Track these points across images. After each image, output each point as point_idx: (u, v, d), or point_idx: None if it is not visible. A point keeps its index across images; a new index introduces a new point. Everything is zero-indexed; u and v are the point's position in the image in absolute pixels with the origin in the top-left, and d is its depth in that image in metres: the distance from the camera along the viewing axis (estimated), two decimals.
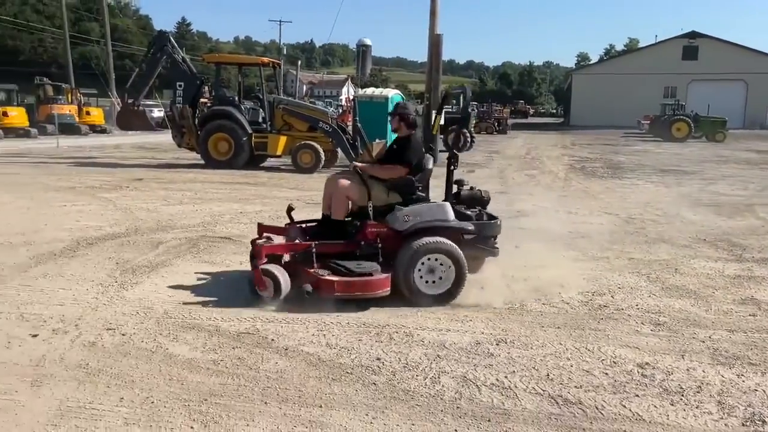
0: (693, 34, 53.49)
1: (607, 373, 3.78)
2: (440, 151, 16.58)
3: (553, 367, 3.86)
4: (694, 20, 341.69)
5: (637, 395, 3.48)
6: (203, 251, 6.72)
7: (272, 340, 4.19)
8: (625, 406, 3.35)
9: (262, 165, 16.06)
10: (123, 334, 4.24)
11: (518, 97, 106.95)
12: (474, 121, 28.13)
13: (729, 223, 8.96)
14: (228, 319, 4.59)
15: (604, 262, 6.64)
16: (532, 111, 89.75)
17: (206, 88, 17.69)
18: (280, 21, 71.49)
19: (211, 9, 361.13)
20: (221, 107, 15.49)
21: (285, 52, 68.67)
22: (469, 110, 33.01)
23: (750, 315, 4.94)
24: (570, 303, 5.19)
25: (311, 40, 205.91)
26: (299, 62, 48.03)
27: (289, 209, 5.68)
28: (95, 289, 5.24)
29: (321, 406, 3.27)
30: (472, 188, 5.91)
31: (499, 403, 3.36)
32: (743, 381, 3.70)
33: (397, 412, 3.24)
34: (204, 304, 4.94)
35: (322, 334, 4.33)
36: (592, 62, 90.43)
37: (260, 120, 15.75)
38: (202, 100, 17.03)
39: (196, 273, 5.84)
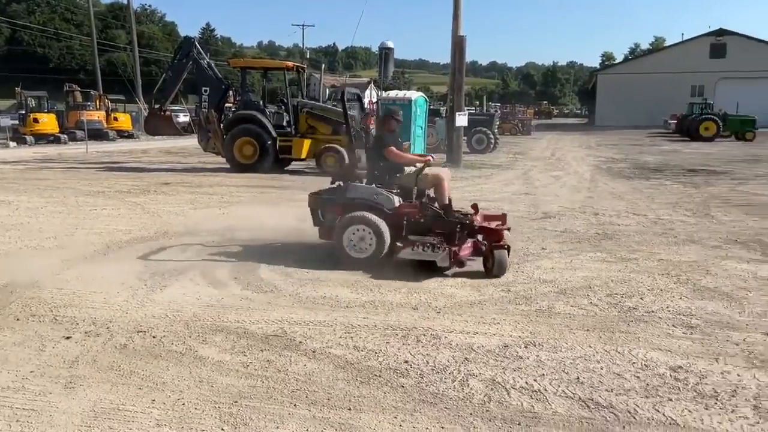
0: (720, 32, 52.58)
1: (638, 377, 3.72)
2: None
3: (583, 370, 3.82)
4: (721, 18, 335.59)
5: (671, 399, 3.42)
6: (230, 254, 6.78)
7: (300, 342, 4.21)
8: (658, 411, 3.29)
9: (286, 168, 16.18)
10: (153, 337, 4.30)
11: (542, 97, 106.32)
12: (497, 123, 27.94)
13: (761, 224, 8.76)
14: (255, 321, 4.63)
15: (633, 263, 6.55)
16: (556, 112, 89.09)
17: (231, 92, 17.88)
18: (303, 25, 71.31)
19: (234, 14, 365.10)
20: (246, 111, 15.64)
21: (308, 56, 68.97)
22: (492, 111, 32.94)
23: None
24: (599, 305, 5.13)
25: (334, 44, 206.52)
26: (322, 66, 48.23)
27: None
28: (126, 292, 5.31)
29: (350, 409, 3.28)
30: None
31: (529, 407, 3.33)
32: None
33: (426, 414, 3.23)
34: (231, 306, 4.98)
35: (350, 336, 4.34)
36: (617, 62, 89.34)
37: (285, 124, 15.86)
38: (227, 104, 17.22)
39: (222, 276, 5.90)
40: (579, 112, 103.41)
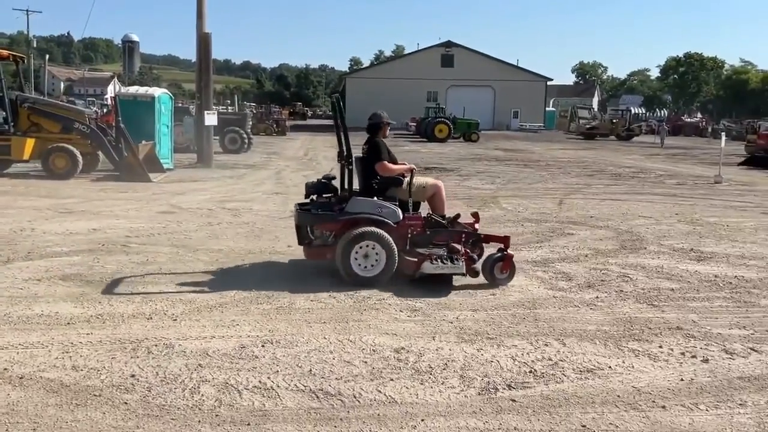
0: (449, 44, 58.95)
1: (366, 362, 3.96)
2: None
3: (316, 362, 3.94)
4: (451, 29, 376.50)
5: (392, 379, 3.70)
6: None
7: (4, 369, 3.68)
8: (380, 391, 3.54)
9: (6, 171, 14.12)
10: None
11: (296, 99, 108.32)
12: (251, 123, 27.74)
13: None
14: None
15: None
16: (310, 113, 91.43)
17: None
18: (27, 10, 62.57)
19: None
20: None
21: (35, 45, 61.16)
22: (246, 111, 32.63)
23: (491, 295, 5.55)
24: (337, 297, 5.35)
25: (68, 33, 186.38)
26: (47, 56, 43.16)
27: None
28: None
29: None
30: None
31: (260, 405, 3.33)
32: (482, 354, 4.13)
33: (149, 429, 3.04)
34: None
35: (68, 356, 3.92)
36: (364, 67, 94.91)
37: (1, 120, 13.82)
38: None
39: None
40: (331, 113, 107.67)
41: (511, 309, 5.15)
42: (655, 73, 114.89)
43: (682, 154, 29.10)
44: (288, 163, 19.62)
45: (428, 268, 5.62)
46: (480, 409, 3.35)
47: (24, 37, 67.01)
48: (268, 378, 3.67)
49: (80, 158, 13.44)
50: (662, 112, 73.85)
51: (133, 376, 3.65)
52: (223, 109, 35.95)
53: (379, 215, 5.81)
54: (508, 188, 13.98)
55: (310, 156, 23.36)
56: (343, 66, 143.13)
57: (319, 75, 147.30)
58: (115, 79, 69.31)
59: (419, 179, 6.29)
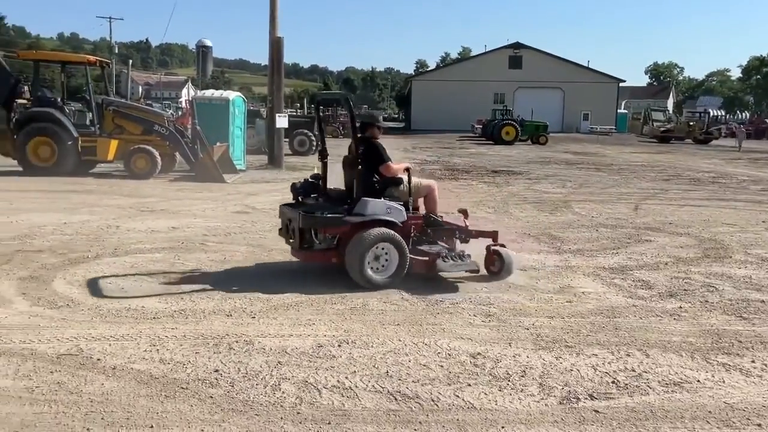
0: (517, 45, 58.07)
1: (442, 366, 3.94)
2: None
3: (392, 363, 3.95)
4: (520, 31, 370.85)
5: (469, 384, 3.67)
6: (18, 266, 6.06)
7: (98, 360, 3.87)
8: (458, 396, 3.51)
9: (91, 171, 14.89)
10: None
11: (362, 101, 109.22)
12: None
13: (550, 219, 9.79)
14: (46, 340, 4.18)
15: None
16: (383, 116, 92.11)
17: (25, 88, 16.01)
18: (110, 18, 65.55)
19: (29, 1, 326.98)
20: (41, 109, 14.13)
21: (117, 51, 64.23)
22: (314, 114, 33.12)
23: (567, 302, 5.42)
24: (409, 300, 5.36)
25: (146, 39, 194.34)
26: (130, 62, 45.19)
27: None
28: None
29: (152, 426, 3.07)
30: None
31: (339, 405, 3.37)
32: (561, 362, 4.04)
33: (235, 424, 3.13)
34: (17, 326, 4.44)
35: (156, 349, 4.08)
36: (429, 69, 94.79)
37: (88, 123, 14.59)
38: (20, 100, 15.38)
39: (7, 292, 5.25)
40: (397, 116, 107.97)
41: (589, 317, 5.01)
42: (736, 73, 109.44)
43: (766, 158, 27.61)
44: None
45: (444, 266, 5.65)
46: (562, 419, 3.27)
47: (106, 44, 70.49)
48: (346, 378, 3.71)
49: (159, 159, 14.02)
50: (743, 114, 70.25)
51: (216, 371, 3.77)
52: (292, 112, 36.65)
53: (388, 216, 5.72)
54: (579, 192, 13.63)
55: None
56: (409, 69, 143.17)
57: (384, 78, 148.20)
58: (189, 82, 71.79)
59: (413, 179, 6.26)
